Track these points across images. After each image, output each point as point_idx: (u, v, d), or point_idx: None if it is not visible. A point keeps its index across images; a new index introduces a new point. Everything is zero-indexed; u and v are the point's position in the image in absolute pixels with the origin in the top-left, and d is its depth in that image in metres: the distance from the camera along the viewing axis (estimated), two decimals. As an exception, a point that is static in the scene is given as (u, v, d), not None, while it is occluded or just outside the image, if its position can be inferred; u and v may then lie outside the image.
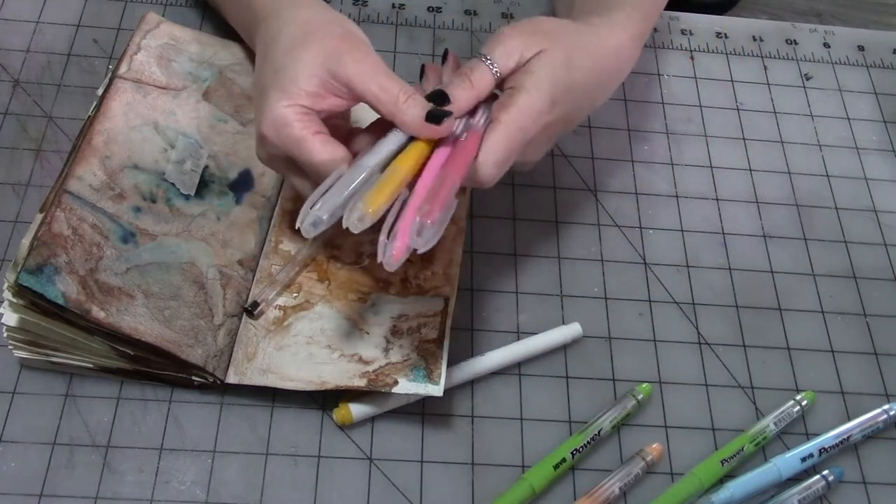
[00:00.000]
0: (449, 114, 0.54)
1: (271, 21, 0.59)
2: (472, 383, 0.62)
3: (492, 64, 0.56)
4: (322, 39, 0.56)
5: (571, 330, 0.64)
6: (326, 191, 0.51)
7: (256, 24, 0.61)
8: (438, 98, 0.54)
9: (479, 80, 0.55)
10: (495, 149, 0.54)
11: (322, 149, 0.54)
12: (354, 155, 0.55)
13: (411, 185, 0.52)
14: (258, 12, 0.61)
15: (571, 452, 0.58)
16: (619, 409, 0.61)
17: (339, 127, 0.58)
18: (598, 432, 0.59)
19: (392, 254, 0.49)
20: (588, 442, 0.59)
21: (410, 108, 0.54)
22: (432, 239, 0.49)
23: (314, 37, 0.56)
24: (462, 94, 0.55)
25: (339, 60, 0.55)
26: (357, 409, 0.58)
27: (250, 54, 0.71)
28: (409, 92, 0.54)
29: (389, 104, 0.54)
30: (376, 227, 0.65)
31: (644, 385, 0.62)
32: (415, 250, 0.50)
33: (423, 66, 0.60)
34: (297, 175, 0.57)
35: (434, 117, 0.53)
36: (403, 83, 0.54)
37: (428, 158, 0.54)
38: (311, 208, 0.50)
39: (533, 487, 0.57)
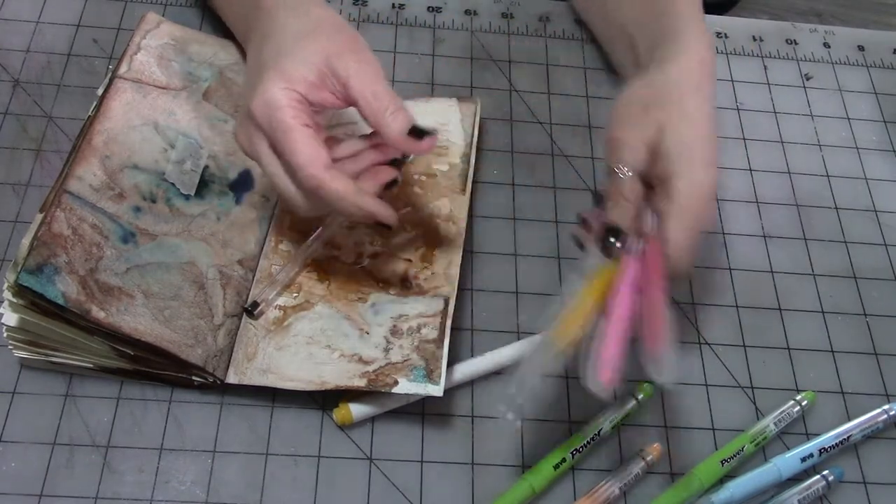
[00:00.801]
0: (433, 133, 0.55)
1: (280, 10, 0.59)
2: (472, 383, 0.62)
3: (628, 170, 0.56)
4: (331, 35, 0.56)
5: (571, 330, 0.64)
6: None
7: (257, 14, 0.61)
8: (614, 233, 0.55)
9: (629, 191, 0.56)
10: (681, 243, 0.54)
11: (306, 145, 0.54)
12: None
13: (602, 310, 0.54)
14: (263, 3, 0.61)
15: (571, 452, 0.58)
16: (619, 409, 0.61)
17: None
18: (598, 432, 0.59)
19: (601, 382, 0.51)
20: (588, 442, 0.59)
21: (396, 120, 0.55)
22: (674, 365, 0.52)
23: (323, 31, 0.57)
24: (625, 214, 0.56)
25: (342, 58, 0.55)
26: (357, 409, 0.58)
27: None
28: (399, 105, 0.55)
29: (378, 113, 0.55)
30: (377, 229, 0.66)
31: (644, 385, 0.62)
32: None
33: (582, 219, 0.60)
34: (271, 160, 0.56)
35: (418, 132, 0.55)
36: (396, 96, 0.55)
37: (611, 287, 0.55)
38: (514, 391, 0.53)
39: (533, 487, 0.57)
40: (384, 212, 0.56)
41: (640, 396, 0.61)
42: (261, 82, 0.55)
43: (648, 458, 0.59)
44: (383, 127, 0.55)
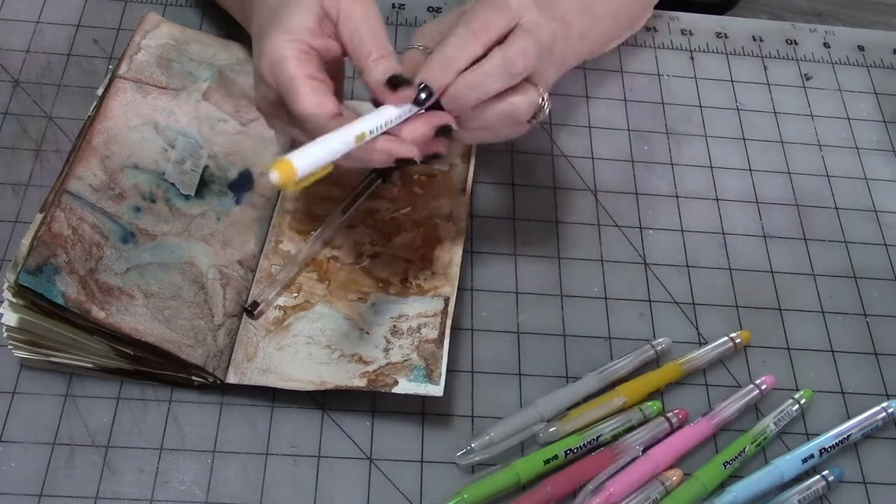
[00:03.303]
0: (408, 82, 0.53)
1: None
2: (472, 383, 0.62)
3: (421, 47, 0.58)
4: None
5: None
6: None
7: None
8: (396, 80, 0.53)
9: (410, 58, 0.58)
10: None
11: (311, 97, 0.52)
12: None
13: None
14: None
15: (565, 452, 0.58)
16: (622, 419, 0.60)
17: (335, 79, 0.56)
18: (597, 438, 0.59)
19: None
20: (583, 445, 0.58)
21: (378, 67, 0.53)
22: None
23: None
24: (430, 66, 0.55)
25: None
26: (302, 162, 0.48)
27: (250, 54, 0.71)
28: (385, 52, 0.53)
29: (362, 57, 0.53)
30: (379, 227, 0.65)
31: (656, 403, 0.61)
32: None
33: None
34: (290, 124, 0.55)
35: (393, 83, 0.53)
36: (385, 43, 0.54)
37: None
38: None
39: (519, 476, 0.56)
40: (401, 146, 0.53)
41: (648, 412, 0.61)
42: (264, 41, 0.54)
43: (667, 483, 0.58)
44: (364, 72, 0.53)
